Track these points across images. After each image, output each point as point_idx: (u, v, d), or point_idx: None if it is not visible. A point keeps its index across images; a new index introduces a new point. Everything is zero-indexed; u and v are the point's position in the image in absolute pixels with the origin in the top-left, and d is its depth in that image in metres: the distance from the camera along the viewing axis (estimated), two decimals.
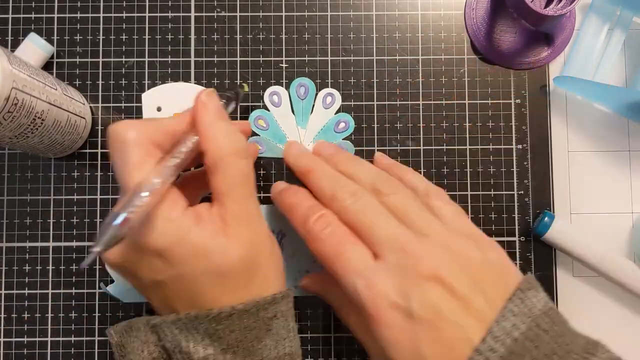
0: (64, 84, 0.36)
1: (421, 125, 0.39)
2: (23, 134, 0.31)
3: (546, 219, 0.37)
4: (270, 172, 0.38)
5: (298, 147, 0.36)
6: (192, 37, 0.39)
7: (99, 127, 0.38)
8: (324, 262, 0.29)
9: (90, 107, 0.38)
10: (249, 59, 0.39)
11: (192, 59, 0.39)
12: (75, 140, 0.37)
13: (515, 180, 0.38)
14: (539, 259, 0.38)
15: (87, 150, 0.38)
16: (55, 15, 0.39)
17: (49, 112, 0.32)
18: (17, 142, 0.32)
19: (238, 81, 0.38)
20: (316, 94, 0.39)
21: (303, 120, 0.38)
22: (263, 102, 0.38)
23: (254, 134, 0.38)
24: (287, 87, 0.39)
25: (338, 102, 0.39)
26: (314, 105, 0.39)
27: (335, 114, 0.39)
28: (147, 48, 0.39)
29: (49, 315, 0.37)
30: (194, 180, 0.34)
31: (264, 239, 0.29)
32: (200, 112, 0.29)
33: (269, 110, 0.38)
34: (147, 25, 0.39)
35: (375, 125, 0.39)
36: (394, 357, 0.26)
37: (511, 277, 0.28)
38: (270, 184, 0.38)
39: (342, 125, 0.39)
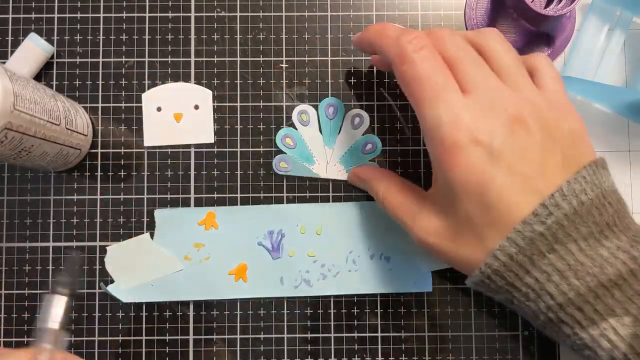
0: (74, 112, 0.36)
1: None
2: (4, 159, 0.31)
3: None
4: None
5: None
6: (192, 37, 0.39)
7: (99, 128, 0.38)
8: (410, 85, 0.28)
9: (91, 118, 0.38)
10: (249, 59, 0.39)
11: (192, 59, 0.39)
12: (62, 167, 0.37)
13: None
14: None
15: (87, 151, 0.38)
16: (55, 15, 0.39)
17: (40, 146, 0.32)
18: None
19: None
20: (345, 114, 0.39)
21: (330, 140, 0.38)
22: (291, 120, 0.38)
23: (280, 152, 0.38)
24: (316, 107, 0.39)
25: (366, 123, 0.38)
26: (341, 126, 0.39)
27: (363, 134, 0.39)
28: (147, 48, 0.39)
29: None
30: None
31: None
32: None
33: (296, 129, 0.38)
34: (147, 25, 0.39)
35: (376, 126, 0.39)
36: (459, 200, 0.26)
37: (588, 152, 0.28)
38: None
39: (369, 146, 0.38)
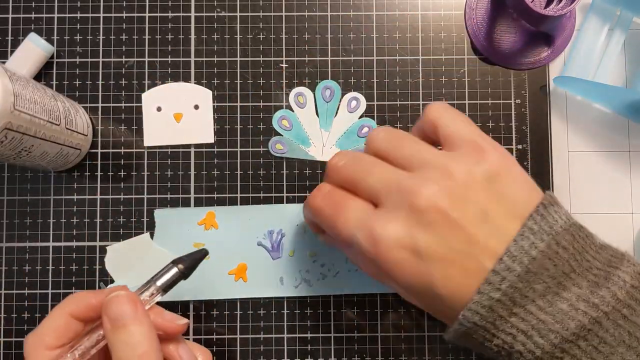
0: (74, 112, 0.36)
1: None
2: (4, 159, 0.31)
3: None
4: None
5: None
6: (192, 37, 0.39)
7: (99, 128, 0.38)
8: (330, 232, 0.29)
9: (91, 118, 0.38)
10: (249, 59, 0.39)
11: (192, 59, 0.39)
12: (61, 166, 0.37)
13: None
14: None
15: (87, 151, 0.38)
16: (55, 15, 0.39)
17: (40, 146, 0.32)
18: None
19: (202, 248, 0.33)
20: (341, 97, 0.39)
21: (327, 123, 0.38)
22: (288, 102, 0.38)
23: (277, 133, 0.38)
24: (313, 89, 0.39)
25: (363, 106, 0.39)
26: (338, 108, 0.39)
27: (360, 118, 0.39)
28: (147, 48, 0.39)
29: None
30: None
31: None
32: (103, 320, 0.27)
33: (293, 111, 0.38)
34: (147, 25, 0.39)
35: (376, 126, 0.39)
36: (414, 297, 0.27)
37: (527, 189, 0.27)
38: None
39: (365, 129, 0.38)
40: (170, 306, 0.37)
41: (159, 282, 0.30)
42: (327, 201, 0.29)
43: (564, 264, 0.25)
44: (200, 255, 0.31)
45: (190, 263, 0.31)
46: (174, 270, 0.30)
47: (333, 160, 0.29)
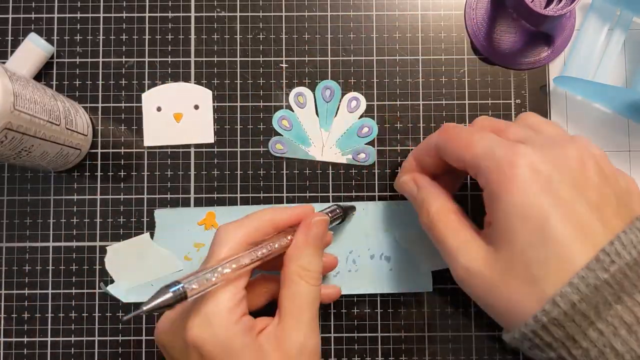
0: (74, 112, 0.36)
1: (421, 125, 0.39)
2: (4, 159, 0.31)
3: None
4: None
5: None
6: (192, 37, 0.39)
7: (99, 128, 0.38)
8: (455, 153, 0.29)
9: (91, 118, 0.38)
10: (249, 59, 0.39)
11: (192, 59, 0.39)
12: (62, 167, 0.37)
13: None
14: None
15: (87, 151, 0.38)
16: (55, 15, 0.39)
17: (40, 146, 0.32)
18: None
19: (352, 205, 0.38)
20: (341, 97, 0.39)
21: (327, 123, 0.38)
22: (288, 102, 0.38)
23: (277, 133, 0.38)
24: (313, 89, 0.39)
25: (363, 106, 0.39)
26: (338, 108, 0.39)
27: (360, 118, 0.39)
28: (147, 48, 0.39)
29: (49, 315, 0.37)
30: (267, 282, 0.34)
31: None
32: (299, 232, 0.30)
33: (293, 111, 0.38)
34: (147, 25, 0.39)
35: (376, 126, 0.39)
36: (516, 227, 0.24)
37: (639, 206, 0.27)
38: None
39: (365, 129, 0.38)
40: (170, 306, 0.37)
41: (335, 208, 0.35)
42: (467, 130, 0.29)
43: None
44: (350, 209, 0.37)
45: (348, 210, 0.36)
46: (338, 209, 0.35)
47: (484, 117, 0.31)
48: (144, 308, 0.24)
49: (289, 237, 0.31)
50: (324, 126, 0.38)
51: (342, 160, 0.38)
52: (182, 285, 0.25)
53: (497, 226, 0.26)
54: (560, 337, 0.23)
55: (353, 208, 0.37)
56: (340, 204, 0.36)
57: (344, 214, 0.36)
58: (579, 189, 0.25)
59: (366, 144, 0.38)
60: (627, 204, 0.26)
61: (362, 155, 0.38)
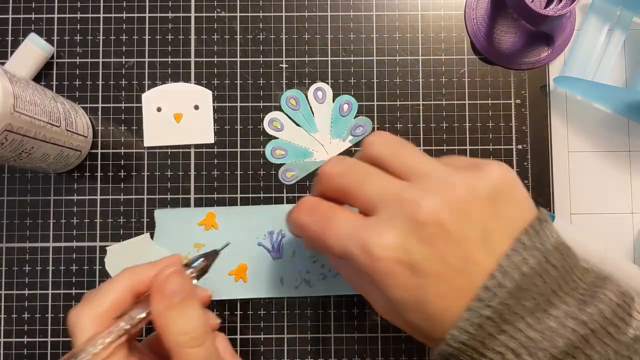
0: (74, 113, 0.36)
1: (421, 125, 0.39)
2: (4, 161, 0.31)
3: None
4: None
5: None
6: (192, 37, 0.39)
7: (99, 128, 0.38)
8: (319, 247, 0.27)
9: (91, 119, 0.38)
10: (249, 59, 0.39)
11: (192, 59, 0.39)
12: (62, 168, 0.37)
13: None
14: None
15: (87, 152, 0.38)
16: (55, 15, 0.39)
17: (40, 148, 0.32)
18: None
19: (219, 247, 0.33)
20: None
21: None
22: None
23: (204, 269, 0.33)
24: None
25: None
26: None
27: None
28: (147, 48, 0.39)
29: (49, 315, 0.37)
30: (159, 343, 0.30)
31: None
32: (153, 299, 0.27)
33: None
34: (147, 25, 0.39)
35: (375, 126, 0.39)
36: (403, 314, 0.25)
37: (522, 207, 0.26)
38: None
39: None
40: None
41: (195, 264, 0.30)
42: (314, 216, 0.27)
43: (552, 281, 0.24)
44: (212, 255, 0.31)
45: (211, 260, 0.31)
46: (201, 260, 0.30)
47: (326, 167, 0.28)
48: None
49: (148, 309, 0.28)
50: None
51: (347, 144, 0.38)
52: None
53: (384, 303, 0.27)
54: None
55: (215, 253, 0.32)
56: (202, 253, 0.32)
57: (209, 262, 0.31)
58: (439, 254, 0.25)
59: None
60: (500, 221, 0.25)
61: (360, 129, 0.38)
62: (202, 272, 0.30)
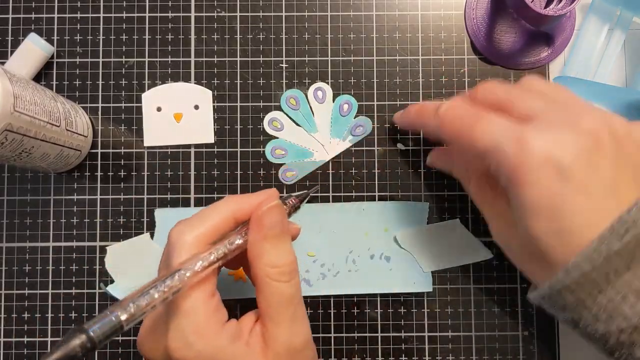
0: (74, 113, 0.36)
1: None
2: (4, 161, 0.31)
3: None
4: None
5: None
6: (192, 37, 0.39)
7: (99, 128, 0.38)
8: (461, 141, 0.28)
9: (91, 119, 0.38)
10: (249, 59, 0.39)
11: (192, 59, 0.39)
12: (62, 168, 0.37)
13: None
14: None
15: (87, 152, 0.38)
16: (55, 15, 0.39)
17: (40, 147, 0.32)
18: None
19: (309, 188, 0.36)
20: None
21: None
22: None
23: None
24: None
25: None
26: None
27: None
28: (147, 48, 0.39)
29: (49, 315, 0.37)
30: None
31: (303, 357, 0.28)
32: (251, 228, 0.28)
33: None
34: (147, 25, 0.39)
35: (375, 125, 0.39)
36: (531, 223, 0.25)
37: None
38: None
39: (359, 129, 0.38)
40: None
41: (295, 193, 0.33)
42: (467, 112, 0.28)
43: None
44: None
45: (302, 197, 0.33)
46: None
47: (485, 83, 0.29)
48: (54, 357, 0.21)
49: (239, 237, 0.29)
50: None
51: (347, 144, 0.38)
52: (115, 313, 0.23)
53: (514, 211, 0.27)
54: (572, 302, 0.24)
55: (307, 194, 0.35)
56: (295, 193, 0.34)
57: (301, 200, 0.33)
58: (592, 167, 0.24)
59: (362, 139, 0.38)
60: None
61: (360, 129, 0.38)
62: (294, 209, 0.32)
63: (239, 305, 0.38)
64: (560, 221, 0.24)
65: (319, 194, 0.38)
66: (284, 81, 0.39)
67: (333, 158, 0.38)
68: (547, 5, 0.37)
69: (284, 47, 0.39)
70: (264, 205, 0.28)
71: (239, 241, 0.28)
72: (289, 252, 0.28)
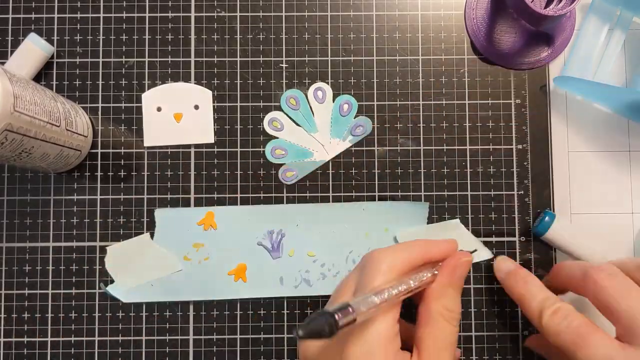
0: (74, 113, 0.36)
1: (421, 125, 0.39)
2: (4, 161, 0.31)
3: (547, 218, 0.37)
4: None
5: (506, 265, 0.36)
6: (192, 37, 0.39)
7: (99, 128, 0.38)
8: (566, 352, 0.29)
9: (91, 119, 0.38)
10: (249, 59, 0.39)
11: (192, 59, 0.39)
12: (62, 168, 0.37)
13: (515, 181, 0.38)
14: (539, 259, 0.38)
15: (87, 152, 0.38)
16: (55, 15, 0.39)
17: (40, 147, 0.32)
18: None
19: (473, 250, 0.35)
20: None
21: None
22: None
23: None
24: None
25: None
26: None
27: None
28: (147, 48, 0.39)
29: (49, 315, 0.37)
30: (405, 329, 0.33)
31: None
32: (445, 273, 0.30)
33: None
34: (147, 25, 0.39)
35: (375, 125, 0.39)
36: None
37: None
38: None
39: (359, 129, 0.38)
40: (170, 306, 0.38)
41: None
42: (570, 323, 0.29)
43: None
44: None
45: None
46: None
47: (592, 272, 0.30)
48: (301, 332, 0.23)
49: (435, 271, 0.31)
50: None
51: (347, 144, 0.38)
52: (351, 306, 0.25)
53: None
54: None
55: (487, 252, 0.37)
56: (476, 246, 0.36)
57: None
58: None
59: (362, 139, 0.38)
60: None
61: (360, 129, 0.38)
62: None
63: (238, 303, 0.38)
64: None
65: (319, 194, 0.38)
66: (284, 81, 0.39)
67: (333, 158, 0.38)
68: (547, 5, 0.37)
69: (284, 47, 0.39)
70: (459, 257, 0.31)
71: (427, 275, 0.30)
72: (460, 304, 0.31)
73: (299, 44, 0.39)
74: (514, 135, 0.39)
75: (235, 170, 0.38)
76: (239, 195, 0.38)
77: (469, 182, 0.38)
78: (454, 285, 0.30)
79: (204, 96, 0.38)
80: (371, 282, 0.28)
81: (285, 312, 0.38)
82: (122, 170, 0.38)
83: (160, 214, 0.38)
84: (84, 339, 0.37)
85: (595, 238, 0.37)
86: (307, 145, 0.38)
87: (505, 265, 0.35)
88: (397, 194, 0.38)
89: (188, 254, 0.37)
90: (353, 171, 0.38)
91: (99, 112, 0.38)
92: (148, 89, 0.39)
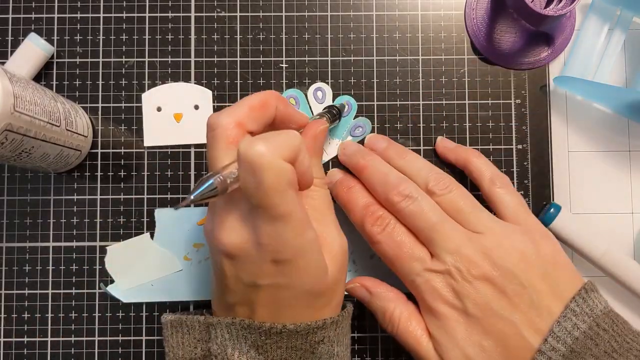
0: (74, 113, 0.36)
1: (421, 125, 0.39)
2: (4, 161, 0.31)
3: (552, 210, 0.37)
4: None
5: (352, 146, 0.37)
6: (192, 37, 0.39)
7: (99, 128, 0.38)
8: (385, 261, 0.32)
9: (91, 119, 0.38)
10: (249, 59, 0.39)
11: (192, 59, 0.39)
12: (62, 168, 0.37)
13: (515, 180, 0.38)
14: None
15: (87, 152, 0.38)
16: (55, 15, 0.39)
17: (40, 147, 0.32)
18: None
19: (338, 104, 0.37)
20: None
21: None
22: None
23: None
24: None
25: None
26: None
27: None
28: (147, 48, 0.39)
29: (49, 315, 0.37)
30: None
31: (346, 260, 0.31)
32: (305, 136, 0.32)
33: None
34: (147, 25, 0.39)
35: (375, 125, 0.39)
36: (447, 347, 0.29)
37: (572, 278, 0.30)
38: None
39: (359, 129, 0.38)
40: (170, 306, 0.38)
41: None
42: (388, 239, 0.32)
43: (605, 344, 0.26)
44: None
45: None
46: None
47: (392, 196, 0.32)
48: (191, 197, 0.23)
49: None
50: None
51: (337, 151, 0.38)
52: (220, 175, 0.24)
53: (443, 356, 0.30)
54: None
55: (343, 106, 0.37)
56: (333, 104, 0.37)
57: (339, 114, 0.36)
58: (492, 311, 0.29)
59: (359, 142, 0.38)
60: (552, 287, 0.29)
61: (359, 129, 0.38)
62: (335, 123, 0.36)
63: None
64: (474, 344, 0.30)
65: None
66: (284, 81, 0.39)
67: (332, 158, 0.38)
68: (547, 5, 0.37)
69: (284, 47, 0.39)
70: (318, 126, 0.32)
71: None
72: (322, 169, 0.33)
73: (299, 44, 0.39)
74: (514, 135, 0.39)
75: None
76: None
77: (469, 182, 0.38)
78: (317, 154, 0.32)
79: (204, 96, 0.38)
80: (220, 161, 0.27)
81: None
82: (122, 170, 0.38)
83: (160, 214, 0.38)
84: (84, 339, 0.37)
85: (595, 238, 0.37)
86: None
87: (333, 176, 0.36)
88: None
89: (188, 254, 0.37)
90: None
91: (99, 112, 0.38)
92: (148, 89, 0.39)
